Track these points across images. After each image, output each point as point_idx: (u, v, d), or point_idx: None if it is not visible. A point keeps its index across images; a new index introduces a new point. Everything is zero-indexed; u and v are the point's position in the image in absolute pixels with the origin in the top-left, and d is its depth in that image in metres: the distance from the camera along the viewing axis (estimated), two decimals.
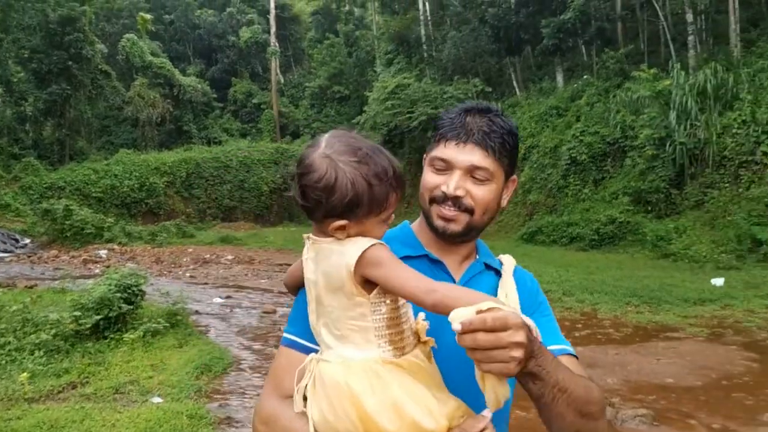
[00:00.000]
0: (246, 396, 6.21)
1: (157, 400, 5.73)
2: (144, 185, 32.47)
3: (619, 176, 20.48)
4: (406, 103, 29.50)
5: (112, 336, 7.53)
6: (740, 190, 16.03)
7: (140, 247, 22.87)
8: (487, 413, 1.12)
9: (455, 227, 1.39)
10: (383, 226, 1.23)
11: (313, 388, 1.17)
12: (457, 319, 1.00)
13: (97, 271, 16.04)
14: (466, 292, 1.10)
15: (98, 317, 7.44)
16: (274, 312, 10.88)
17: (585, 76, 25.71)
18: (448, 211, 1.38)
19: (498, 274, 1.50)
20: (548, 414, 1.21)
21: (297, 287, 1.38)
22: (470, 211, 1.38)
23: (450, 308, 1.03)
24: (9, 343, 6.89)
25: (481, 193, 1.37)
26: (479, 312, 1.00)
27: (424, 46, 35.25)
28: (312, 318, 1.23)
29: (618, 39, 26.94)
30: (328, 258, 1.17)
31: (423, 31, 35.35)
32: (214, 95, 45.88)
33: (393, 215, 1.24)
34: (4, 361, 6.55)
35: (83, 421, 5.05)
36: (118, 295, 7.72)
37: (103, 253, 20.79)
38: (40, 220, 24.82)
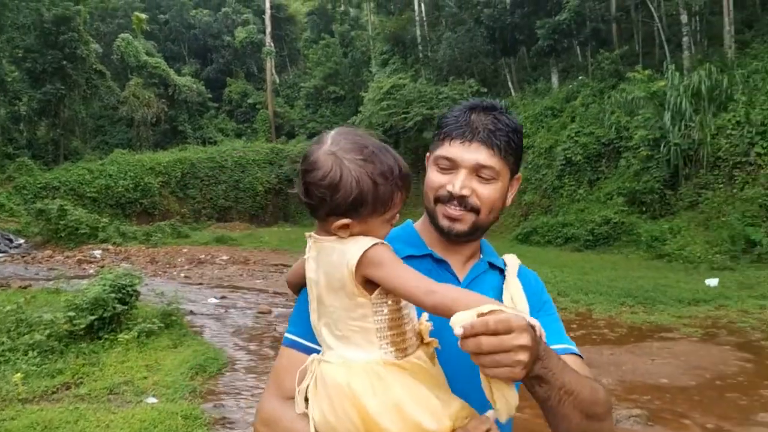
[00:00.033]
0: (241, 396, 6.20)
1: (151, 400, 5.72)
2: (139, 185, 32.37)
3: (614, 177, 20.54)
4: (402, 104, 29.55)
5: (106, 336, 7.50)
6: (734, 190, 16.09)
7: (135, 248, 22.78)
8: (491, 414, 1.11)
9: (461, 227, 1.37)
10: (387, 226, 1.21)
11: (314, 388, 1.16)
12: (458, 323, 0.98)
13: (91, 271, 15.99)
14: (467, 294, 1.09)
15: (92, 318, 7.41)
16: (269, 312, 10.86)
17: (580, 77, 25.79)
18: (454, 210, 1.36)
19: (502, 273, 1.48)
20: (554, 416, 1.19)
21: (300, 286, 1.36)
22: (476, 211, 1.36)
23: (450, 310, 1.02)
24: (3, 343, 6.87)
25: (487, 192, 1.36)
26: (480, 315, 0.98)
27: (420, 47, 35.30)
28: (313, 318, 1.22)
29: (613, 40, 27.03)
30: (330, 257, 1.16)
31: (418, 32, 35.39)
32: (209, 95, 45.82)
33: (398, 215, 1.23)
34: None
35: (77, 422, 5.03)
36: (113, 295, 7.70)
37: (97, 253, 20.72)
38: (35, 220, 24.72)
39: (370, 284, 1.13)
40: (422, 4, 35.47)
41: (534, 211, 22.88)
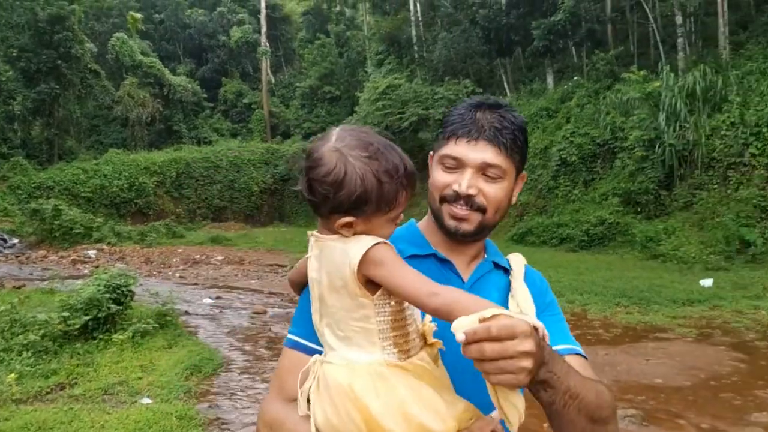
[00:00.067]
0: (236, 397, 6.18)
1: (146, 401, 5.71)
2: (133, 185, 32.29)
3: (609, 177, 20.57)
4: (397, 104, 29.54)
5: (101, 337, 7.48)
6: (729, 191, 16.13)
7: (129, 248, 22.73)
8: (496, 415, 1.09)
9: (467, 227, 1.36)
10: (391, 225, 1.19)
11: (316, 390, 1.14)
12: (461, 328, 0.96)
13: (86, 271, 15.95)
14: (469, 298, 1.07)
15: (87, 318, 7.39)
16: (265, 313, 10.84)
17: (575, 78, 25.83)
18: (460, 210, 1.34)
19: (506, 273, 1.47)
20: (559, 421, 1.18)
21: (302, 285, 1.34)
22: (482, 210, 1.35)
23: (451, 313, 1.00)
24: None
25: (493, 192, 1.34)
26: (482, 320, 0.96)
27: (415, 47, 35.32)
28: (315, 318, 1.20)
29: (608, 41, 27.10)
30: (332, 256, 1.14)
31: (414, 32, 35.41)
32: (205, 95, 45.71)
33: (402, 215, 1.21)
34: None
35: (71, 423, 5.01)
36: (107, 295, 7.68)
37: (92, 253, 20.66)
38: (29, 220, 24.64)
39: (372, 284, 1.12)
40: (418, 5, 35.50)
41: (529, 212, 22.89)
